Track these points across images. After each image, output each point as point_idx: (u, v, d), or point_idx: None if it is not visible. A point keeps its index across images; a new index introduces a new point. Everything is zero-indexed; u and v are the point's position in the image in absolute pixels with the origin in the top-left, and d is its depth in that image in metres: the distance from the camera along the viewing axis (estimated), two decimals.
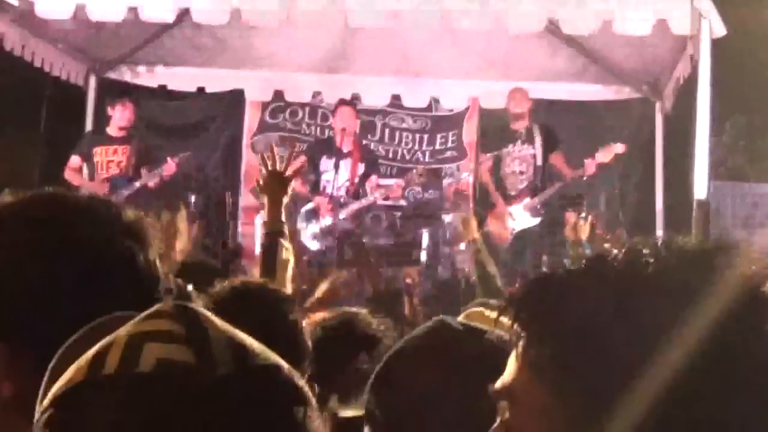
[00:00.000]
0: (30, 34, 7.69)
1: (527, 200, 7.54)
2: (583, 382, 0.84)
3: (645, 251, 0.88)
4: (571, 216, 6.36)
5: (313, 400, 0.94)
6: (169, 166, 7.35)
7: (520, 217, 7.51)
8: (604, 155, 7.26)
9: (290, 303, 2.28)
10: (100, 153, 7.54)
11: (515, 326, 0.90)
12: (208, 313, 0.93)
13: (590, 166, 7.30)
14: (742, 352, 0.83)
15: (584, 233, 5.54)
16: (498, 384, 0.92)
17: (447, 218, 7.74)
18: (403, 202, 8.06)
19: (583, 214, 7.23)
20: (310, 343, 2.16)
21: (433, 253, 7.62)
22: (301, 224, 7.50)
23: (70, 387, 0.87)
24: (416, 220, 7.87)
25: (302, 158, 7.39)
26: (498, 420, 0.92)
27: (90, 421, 0.85)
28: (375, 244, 7.60)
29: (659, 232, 7.90)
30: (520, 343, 0.89)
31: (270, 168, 3.18)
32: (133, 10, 6.64)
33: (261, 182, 3.25)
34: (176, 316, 0.90)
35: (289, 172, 3.21)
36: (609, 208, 7.89)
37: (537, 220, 7.47)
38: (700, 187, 6.80)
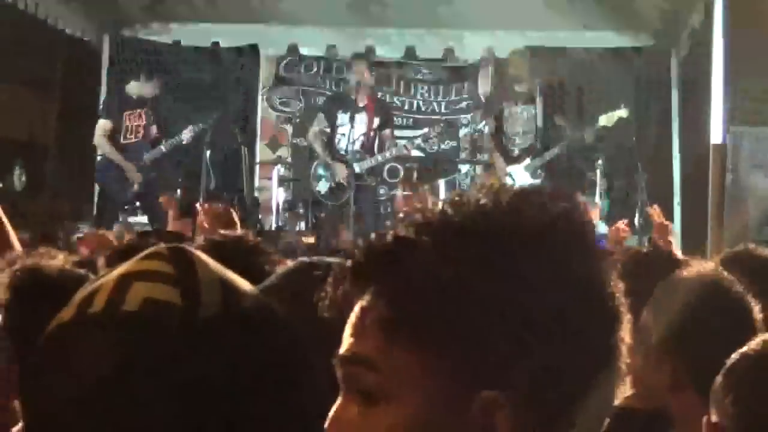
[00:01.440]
0: None
1: (528, 161, 7.89)
2: (446, 333, 0.84)
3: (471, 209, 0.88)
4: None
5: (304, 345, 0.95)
6: (188, 133, 7.64)
7: (519, 178, 7.81)
8: (607, 120, 7.65)
9: (266, 255, 2.34)
10: (131, 117, 7.81)
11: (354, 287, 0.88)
12: (204, 256, 0.94)
13: (589, 134, 7.79)
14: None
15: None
16: (347, 352, 0.89)
17: (464, 168, 7.94)
18: (420, 153, 8.31)
19: (600, 166, 7.80)
20: None
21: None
22: (314, 180, 7.90)
23: (58, 325, 0.89)
24: (434, 171, 8.10)
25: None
26: (346, 388, 0.89)
27: (74, 359, 0.87)
28: (391, 194, 7.90)
29: (676, 177, 8.53)
30: (369, 307, 0.87)
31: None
32: None
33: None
34: (169, 258, 0.91)
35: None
36: (627, 158, 8.15)
37: (536, 182, 7.78)
38: (716, 132, 7.37)
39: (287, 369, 0.94)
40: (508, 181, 7.66)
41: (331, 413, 0.89)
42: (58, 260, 2.45)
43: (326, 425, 0.88)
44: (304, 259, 1.57)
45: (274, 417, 0.92)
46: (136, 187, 7.95)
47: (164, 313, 0.86)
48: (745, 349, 1.57)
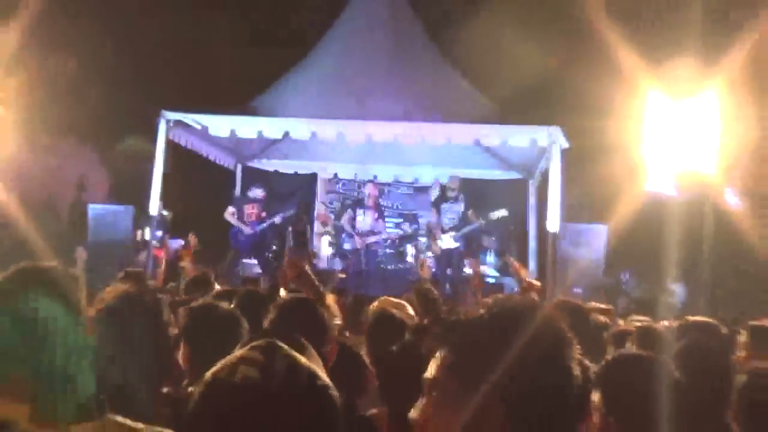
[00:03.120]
0: (203, 140, 12.68)
1: (452, 233, 12.03)
2: (472, 373, 1.35)
3: (504, 307, 1.41)
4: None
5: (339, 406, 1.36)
6: (278, 217, 12.59)
7: (447, 241, 12.07)
8: (495, 215, 11.80)
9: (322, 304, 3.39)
10: (247, 208, 12.80)
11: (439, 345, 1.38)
12: (285, 347, 1.39)
13: (486, 222, 11.78)
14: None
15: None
16: (426, 377, 1.38)
17: (422, 239, 13.52)
18: (400, 232, 13.81)
19: (491, 239, 13.01)
20: None
21: (414, 257, 13.26)
22: (344, 244, 12.93)
23: (204, 382, 1.37)
24: (405, 240, 13.51)
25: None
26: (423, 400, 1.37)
27: (204, 406, 1.33)
28: (384, 252, 13.36)
29: (531, 248, 12.91)
30: (441, 354, 1.37)
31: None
32: (260, 132, 11.22)
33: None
34: (263, 349, 1.36)
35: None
36: (504, 238, 13.25)
37: (457, 244, 12.01)
38: (553, 224, 10.50)
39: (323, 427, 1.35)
40: (440, 242, 12.07)
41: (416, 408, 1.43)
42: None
43: (412, 414, 1.45)
44: (385, 312, 3.01)
45: None
46: (248, 239, 12.23)
47: (251, 385, 1.31)
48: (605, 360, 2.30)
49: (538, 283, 6.34)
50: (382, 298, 5.12)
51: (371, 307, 4.89)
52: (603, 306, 5.95)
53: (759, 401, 2.81)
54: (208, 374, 1.36)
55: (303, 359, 1.34)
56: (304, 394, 1.30)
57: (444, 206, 12.48)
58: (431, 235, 12.64)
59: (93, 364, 2.04)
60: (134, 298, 2.48)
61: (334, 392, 1.34)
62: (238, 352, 1.36)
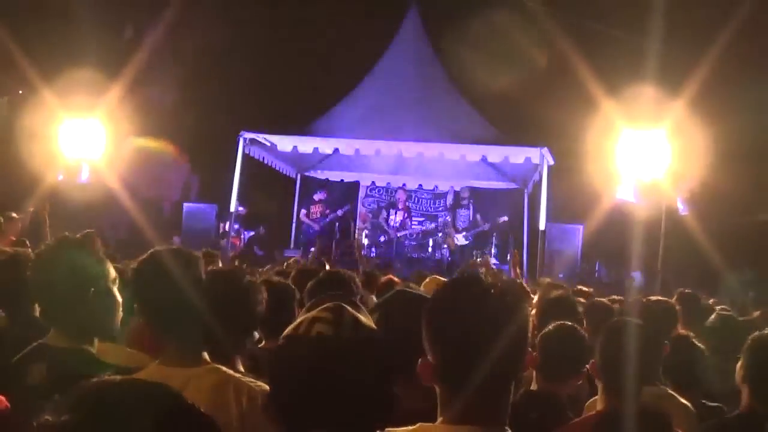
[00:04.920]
0: (271, 155, 15.83)
1: (464, 233, 15.39)
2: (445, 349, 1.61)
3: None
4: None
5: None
6: (341, 211, 15.81)
7: (461, 240, 15.42)
8: (499, 220, 14.91)
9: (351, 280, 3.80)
10: (313, 207, 16.04)
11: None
12: (348, 307, 1.55)
13: (491, 225, 15.19)
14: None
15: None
16: None
17: (439, 235, 17.03)
18: (423, 228, 17.10)
19: (494, 237, 16.26)
20: None
21: (432, 248, 16.51)
22: (379, 237, 16.21)
23: (284, 338, 1.56)
24: (427, 235, 16.76)
25: None
26: None
27: (288, 358, 1.51)
28: (410, 243, 16.63)
29: (525, 243, 16.19)
30: None
31: None
32: (315, 148, 14.32)
33: None
34: (332, 309, 1.55)
35: None
36: (504, 236, 16.23)
37: (468, 241, 15.26)
38: (542, 224, 13.26)
39: (380, 367, 1.50)
40: (456, 240, 15.84)
41: None
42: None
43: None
44: (401, 290, 2.58)
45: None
46: (314, 231, 15.67)
47: (324, 339, 1.50)
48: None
49: (519, 276, 8.10)
50: (432, 276, 5.74)
51: (423, 283, 5.26)
52: (584, 288, 6.97)
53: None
54: (288, 330, 1.58)
55: (363, 317, 1.55)
56: (366, 346, 1.50)
57: (458, 211, 15.77)
58: (447, 232, 15.69)
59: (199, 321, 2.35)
60: (230, 273, 2.91)
61: (389, 345, 1.55)
62: (312, 312, 1.56)
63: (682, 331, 4.53)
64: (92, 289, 2.57)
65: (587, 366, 3.19)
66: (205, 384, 2.23)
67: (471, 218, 15.70)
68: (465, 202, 15.77)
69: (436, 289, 1.76)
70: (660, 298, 5.07)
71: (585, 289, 6.84)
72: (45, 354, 2.51)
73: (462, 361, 1.60)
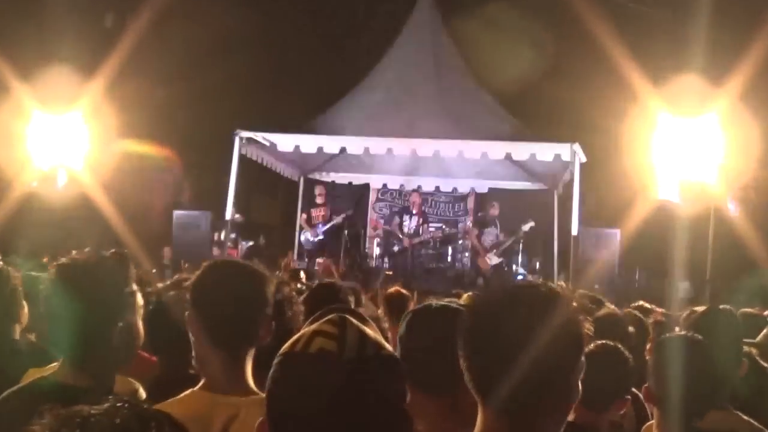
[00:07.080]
0: (271, 156, 14.43)
1: (495, 251, 14.18)
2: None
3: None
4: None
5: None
6: (339, 219, 14.46)
7: (494, 259, 14.20)
8: (525, 227, 13.77)
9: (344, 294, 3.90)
10: (314, 211, 14.80)
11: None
12: (354, 320, 1.42)
13: (518, 235, 14.01)
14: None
15: None
16: None
17: (460, 242, 15.56)
18: (440, 233, 15.50)
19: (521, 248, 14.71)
20: None
21: (452, 257, 15.27)
22: (393, 245, 14.77)
23: (280, 355, 1.42)
24: (444, 243, 15.35)
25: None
26: None
27: (284, 377, 1.39)
28: (426, 252, 15.16)
29: (555, 251, 14.68)
30: None
31: None
32: (320, 148, 12.91)
33: None
34: (336, 323, 1.42)
35: None
36: (534, 244, 14.92)
37: (499, 259, 14.10)
38: (575, 229, 12.07)
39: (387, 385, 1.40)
40: (487, 259, 13.95)
41: None
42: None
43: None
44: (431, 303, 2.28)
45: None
46: (316, 240, 14.35)
47: (326, 356, 1.37)
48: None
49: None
50: (468, 294, 5.43)
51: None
52: (646, 305, 6.40)
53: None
54: (287, 345, 1.43)
55: (369, 330, 1.41)
56: (373, 362, 1.36)
57: (485, 230, 14.57)
58: (477, 252, 14.64)
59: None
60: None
61: (398, 359, 1.42)
62: (314, 326, 1.43)
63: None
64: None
65: (633, 391, 3.06)
66: (256, 417, 1.88)
67: (497, 236, 14.59)
68: (492, 220, 14.65)
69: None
70: (725, 306, 4.51)
71: (647, 306, 6.15)
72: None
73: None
